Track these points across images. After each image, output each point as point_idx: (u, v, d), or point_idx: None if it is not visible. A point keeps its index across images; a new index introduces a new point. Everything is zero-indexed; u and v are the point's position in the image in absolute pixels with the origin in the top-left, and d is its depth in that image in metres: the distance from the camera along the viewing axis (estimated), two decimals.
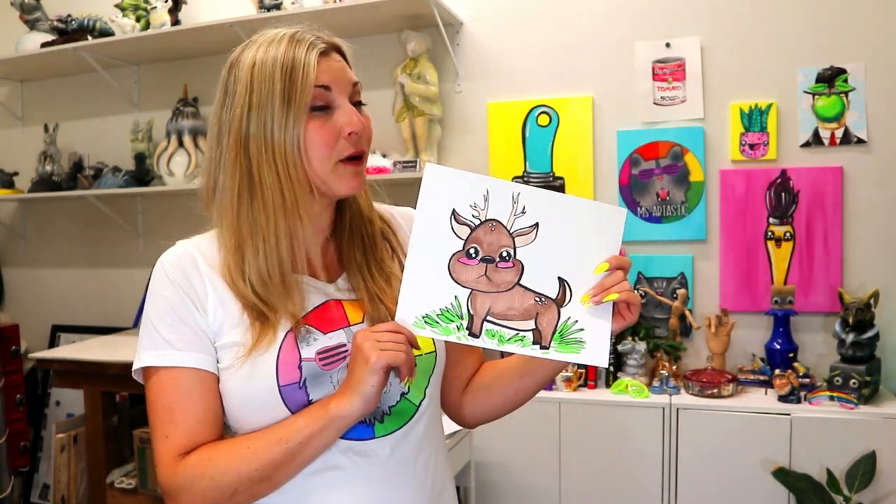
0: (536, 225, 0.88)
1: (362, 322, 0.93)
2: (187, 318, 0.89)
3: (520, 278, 0.87)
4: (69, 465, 2.76)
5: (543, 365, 0.99)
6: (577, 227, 0.89)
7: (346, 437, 0.89)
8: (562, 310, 0.88)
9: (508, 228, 0.87)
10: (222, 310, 0.90)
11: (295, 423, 0.85)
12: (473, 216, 0.86)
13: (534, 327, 0.88)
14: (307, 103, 0.87)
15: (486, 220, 0.86)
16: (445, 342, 0.98)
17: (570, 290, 0.89)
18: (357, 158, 0.92)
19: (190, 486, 0.86)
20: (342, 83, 0.91)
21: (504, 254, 0.87)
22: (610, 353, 0.92)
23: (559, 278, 0.89)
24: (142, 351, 0.91)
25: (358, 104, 0.94)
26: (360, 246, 0.99)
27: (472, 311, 0.86)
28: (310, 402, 0.88)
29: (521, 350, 0.87)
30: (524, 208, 0.87)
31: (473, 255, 0.86)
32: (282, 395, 0.87)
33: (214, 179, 0.93)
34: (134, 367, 0.91)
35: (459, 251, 0.86)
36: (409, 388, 0.93)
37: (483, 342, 0.86)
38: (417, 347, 0.85)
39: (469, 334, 0.85)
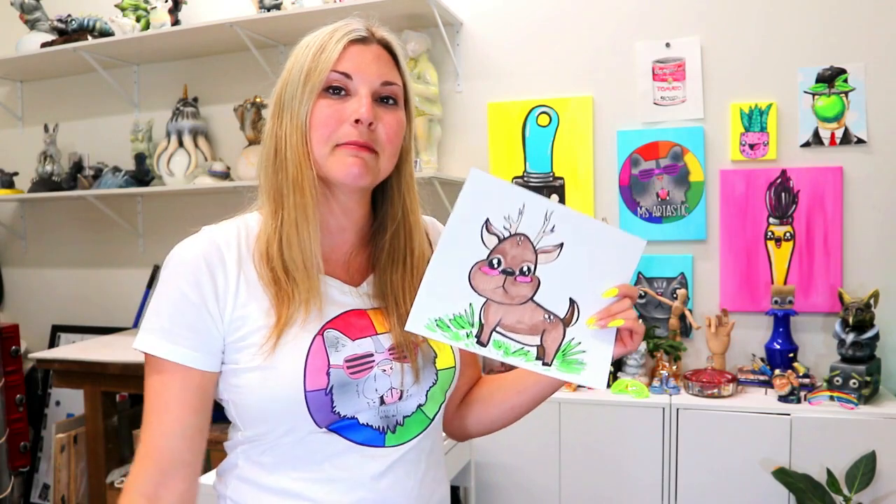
0: (561, 245, 0.88)
1: (388, 332, 0.91)
2: (193, 314, 0.85)
3: (534, 294, 0.88)
4: (69, 465, 2.76)
5: (540, 382, 1.00)
6: (596, 250, 0.89)
7: (357, 441, 0.88)
8: (568, 329, 0.89)
9: (534, 244, 0.87)
10: (249, 304, 0.87)
11: None
12: (504, 228, 0.86)
13: (539, 343, 0.89)
14: (321, 82, 0.89)
15: (516, 234, 0.86)
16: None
17: (579, 312, 0.90)
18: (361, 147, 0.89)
19: None
20: (366, 74, 0.90)
21: (525, 268, 0.87)
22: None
23: (570, 299, 0.89)
24: (143, 332, 0.87)
25: (387, 103, 0.92)
26: (401, 268, 0.96)
27: (483, 320, 0.86)
28: (334, 411, 0.85)
29: (523, 364, 0.88)
30: (553, 227, 0.87)
31: (495, 266, 0.86)
32: (307, 401, 0.84)
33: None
34: (134, 345, 0.87)
35: (483, 260, 0.86)
36: (426, 398, 0.93)
37: (489, 352, 0.87)
38: None
39: (477, 342, 0.86)
